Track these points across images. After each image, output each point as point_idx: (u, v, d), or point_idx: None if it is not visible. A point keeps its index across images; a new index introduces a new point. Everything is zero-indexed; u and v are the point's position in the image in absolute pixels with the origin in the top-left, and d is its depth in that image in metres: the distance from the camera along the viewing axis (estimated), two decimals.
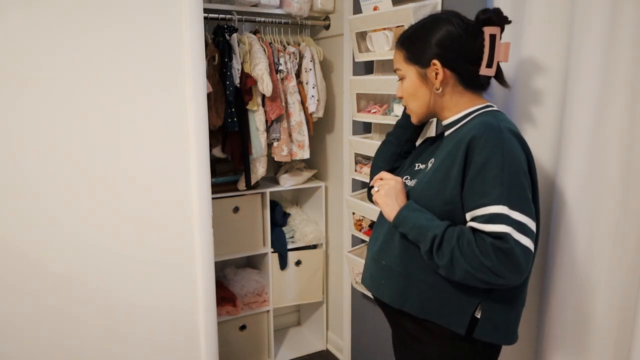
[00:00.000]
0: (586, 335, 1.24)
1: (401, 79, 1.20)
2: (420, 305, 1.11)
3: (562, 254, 1.24)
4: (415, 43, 1.14)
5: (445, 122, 1.18)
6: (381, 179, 1.18)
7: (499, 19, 1.11)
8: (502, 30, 1.12)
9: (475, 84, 1.14)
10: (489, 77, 1.15)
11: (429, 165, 1.16)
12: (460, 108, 1.15)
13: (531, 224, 0.99)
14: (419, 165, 1.22)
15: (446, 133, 1.18)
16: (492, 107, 1.14)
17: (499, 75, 1.17)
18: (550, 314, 1.28)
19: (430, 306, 1.09)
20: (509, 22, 1.12)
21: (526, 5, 1.28)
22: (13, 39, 1.22)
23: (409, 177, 1.21)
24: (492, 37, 1.10)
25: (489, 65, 1.11)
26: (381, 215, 1.26)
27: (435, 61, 1.11)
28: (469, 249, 0.97)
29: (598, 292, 1.21)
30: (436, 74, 1.11)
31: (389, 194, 1.13)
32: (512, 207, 0.97)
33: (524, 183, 1.00)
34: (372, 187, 1.21)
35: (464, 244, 0.98)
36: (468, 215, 1.03)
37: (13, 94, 1.24)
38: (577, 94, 1.17)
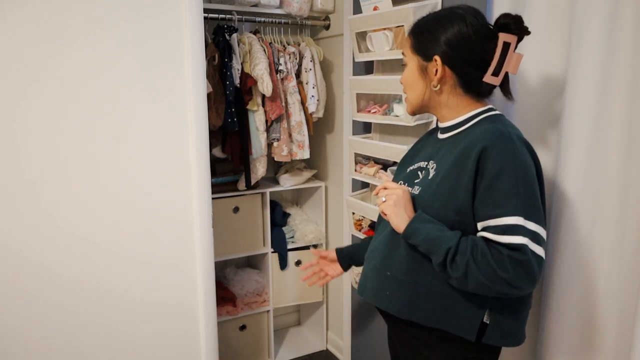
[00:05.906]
0: (586, 336, 1.24)
1: (404, 65, 1.17)
2: (429, 315, 1.08)
3: (562, 254, 1.24)
4: (424, 34, 1.10)
5: (443, 125, 1.15)
6: (385, 188, 1.12)
7: (517, 28, 1.06)
8: (519, 40, 1.07)
9: (476, 90, 1.10)
10: (493, 86, 1.10)
11: (430, 170, 1.12)
12: (460, 111, 1.11)
13: (543, 232, 0.98)
14: (414, 167, 1.19)
15: (444, 135, 1.15)
16: (494, 110, 1.11)
17: (504, 86, 1.12)
18: (550, 315, 1.28)
19: (440, 315, 1.07)
20: (529, 33, 1.07)
21: (526, 5, 1.28)
22: (14, 43, 1.22)
23: (404, 183, 1.18)
24: (506, 45, 1.05)
25: (496, 74, 1.06)
26: (381, 223, 1.23)
27: (437, 57, 1.07)
28: (483, 261, 0.96)
29: (598, 293, 1.21)
30: (436, 70, 1.08)
31: (398, 204, 1.07)
32: (527, 218, 0.96)
33: (536, 192, 0.99)
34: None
35: (479, 255, 0.96)
36: (480, 225, 1.01)
37: (17, 95, 1.24)
38: (576, 94, 1.17)
